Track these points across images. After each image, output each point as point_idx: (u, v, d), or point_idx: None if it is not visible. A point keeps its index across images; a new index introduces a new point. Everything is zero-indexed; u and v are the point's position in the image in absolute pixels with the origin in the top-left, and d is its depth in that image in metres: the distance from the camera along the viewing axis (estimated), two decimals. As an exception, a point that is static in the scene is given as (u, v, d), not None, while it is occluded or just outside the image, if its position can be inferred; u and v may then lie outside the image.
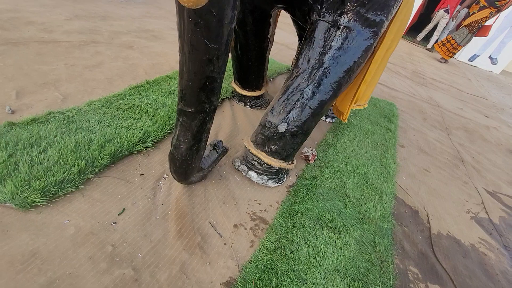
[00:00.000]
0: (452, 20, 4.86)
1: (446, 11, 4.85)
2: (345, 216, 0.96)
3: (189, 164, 0.76)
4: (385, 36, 0.99)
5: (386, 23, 0.86)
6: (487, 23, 4.02)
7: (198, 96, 0.64)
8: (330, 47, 0.84)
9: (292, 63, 1.80)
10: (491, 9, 3.73)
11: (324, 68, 0.85)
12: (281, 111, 0.90)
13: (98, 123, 1.00)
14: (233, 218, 0.85)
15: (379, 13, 0.80)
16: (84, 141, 0.87)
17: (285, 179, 1.05)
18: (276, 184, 1.01)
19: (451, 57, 4.27)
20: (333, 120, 1.68)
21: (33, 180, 0.70)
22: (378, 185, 1.19)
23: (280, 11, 1.24)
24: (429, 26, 5.28)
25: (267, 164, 0.95)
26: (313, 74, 0.87)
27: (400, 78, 3.28)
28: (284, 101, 0.90)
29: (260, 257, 0.74)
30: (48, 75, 1.23)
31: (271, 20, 1.16)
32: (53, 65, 1.31)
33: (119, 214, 0.74)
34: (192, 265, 0.69)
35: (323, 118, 1.65)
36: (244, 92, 1.46)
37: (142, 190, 0.83)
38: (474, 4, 4.01)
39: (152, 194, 0.83)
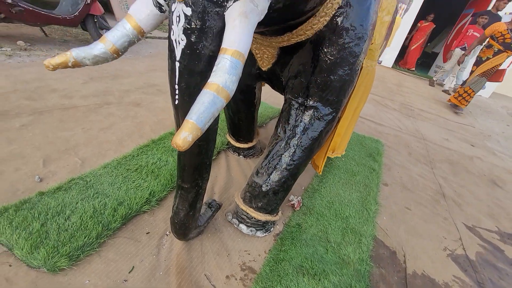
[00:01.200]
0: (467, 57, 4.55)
1: (463, 49, 4.71)
2: (326, 262, 1.09)
3: (187, 226, 0.92)
4: (348, 103, 1.19)
5: (345, 100, 1.06)
6: (502, 67, 3.82)
7: (193, 176, 0.82)
8: (301, 121, 1.04)
9: None
10: (507, 52, 3.55)
11: (297, 138, 1.04)
12: (264, 173, 1.08)
13: (111, 186, 1.18)
14: (226, 269, 0.98)
15: (337, 94, 1.00)
16: (100, 206, 1.05)
17: (272, 228, 1.19)
18: (264, 234, 1.15)
19: (466, 105, 3.96)
20: (320, 163, 1.85)
21: (60, 247, 0.87)
22: (358, 228, 1.33)
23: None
24: (447, 67, 5.11)
25: (254, 218, 1.11)
26: (288, 142, 1.05)
27: (388, 111, 3.49)
28: (266, 164, 1.08)
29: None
30: (69, 141, 1.44)
31: (256, 89, 1.38)
32: (73, 130, 1.53)
33: (129, 272, 0.89)
34: (189, 316, 0.82)
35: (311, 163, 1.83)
36: (237, 144, 1.65)
37: (148, 248, 0.98)
38: (485, 48, 3.79)
39: (156, 251, 0.98)
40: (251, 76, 1.23)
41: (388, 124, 2.98)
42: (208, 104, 0.52)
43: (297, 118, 1.04)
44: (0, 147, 1.27)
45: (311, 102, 1.01)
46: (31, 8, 2.45)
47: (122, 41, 0.66)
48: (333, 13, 0.85)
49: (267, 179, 1.07)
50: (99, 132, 1.58)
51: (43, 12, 2.54)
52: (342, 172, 1.79)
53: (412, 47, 6.67)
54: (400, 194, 1.78)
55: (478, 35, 4.47)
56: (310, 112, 1.02)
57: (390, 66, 6.86)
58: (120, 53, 0.69)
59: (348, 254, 1.16)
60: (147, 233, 1.03)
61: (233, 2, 0.53)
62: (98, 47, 0.66)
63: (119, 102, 1.96)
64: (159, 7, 0.64)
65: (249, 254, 1.07)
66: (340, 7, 0.84)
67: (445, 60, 5.98)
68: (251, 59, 1.14)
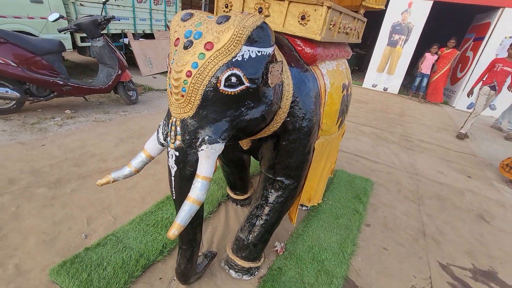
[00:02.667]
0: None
1: (493, 88, 4.07)
2: (298, 301, 1.37)
3: (187, 275, 1.27)
4: (313, 169, 1.51)
5: (304, 172, 1.39)
6: None
7: (188, 240, 1.18)
8: (271, 190, 1.38)
9: None
10: None
11: (269, 203, 1.38)
12: (245, 230, 1.41)
13: (135, 240, 1.57)
14: (217, 307, 1.30)
15: (295, 171, 1.34)
16: (127, 258, 1.43)
17: (257, 272, 1.50)
18: (250, 278, 1.46)
19: None
20: (308, 208, 2.14)
21: (101, 291, 1.24)
22: (332, 270, 1.59)
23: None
24: (478, 109, 4.16)
25: (240, 265, 1.43)
26: (263, 205, 1.39)
27: (386, 144, 3.71)
28: (247, 223, 1.42)
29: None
30: (104, 201, 1.89)
31: (244, 159, 1.76)
32: (107, 191, 1.98)
33: (146, 310, 1.24)
34: None
35: (300, 207, 2.12)
36: (235, 196, 2.02)
37: (166, 286, 1.33)
38: None
39: (166, 285, 1.33)
40: (238, 152, 1.61)
41: (382, 161, 3.20)
42: (187, 211, 0.89)
43: (268, 188, 1.39)
44: (58, 211, 1.74)
45: (277, 177, 1.36)
46: (76, 85, 3.11)
47: (141, 165, 1.08)
48: (282, 121, 1.22)
49: (247, 235, 1.40)
50: (126, 191, 2.02)
51: (85, 86, 3.20)
52: (326, 215, 2.06)
53: (435, 77, 6.27)
54: (381, 235, 2.00)
55: (511, 70, 3.94)
56: (277, 184, 1.36)
57: (396, 93, 7.05)
58: (139, 171, 1.10)
59: (318, 294, 1.42)
60: (160, 279, 1.39)
61: (201, 150, 0.92)
62: (127, 170, 1.08)
63: (161, 163, 2.41)
64: (161, 144, 1.05)
65: (236, 295, 1.38)
66: (286, 117, 1.21)
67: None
68: (235, 145, 1.53)
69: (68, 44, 4.22)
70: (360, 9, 1.66)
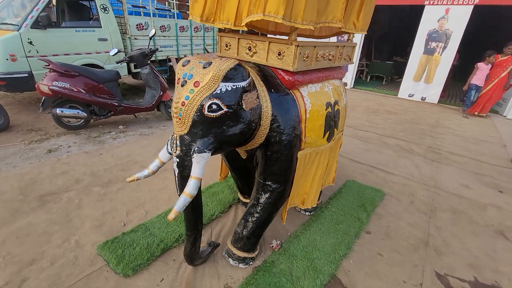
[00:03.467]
0: None
1: None
2: (283, 289, 1.60)
3: (192, 257, 1.60)
4: (302, 177, 1.75)
5: (289, 178, 1.64)
6: None
7: (192, 228, 1.52)
8: (262, 192, 1.66)
9: None
10: None
11: (260, 203, 1.66)
12: (241, 225, 1.71)
13: (159, 229, 1.98)
14: (214, 286, 1.61)
15: (280, 177, 1.60)
16: (151, 242, 1.84)
17: (251, 262, 1.77)
18: (245, 266, 1.74)
19: None
20: (311, 213, 2.34)
21: (129, 264, 1.65)
22: (320, 267, 1.77)
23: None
24: None
25: (236, 255, 1.72)
26: (255, 206, 1.68)
27: (409, 156, 3.65)
28: (243, 219, 1.72)
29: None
30: (140, 199, 2.36)
31: (249, 164, 2.07)
32: (143, 191, 2.47)
33: (160, 281, 1.60)
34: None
35: (303, 212, 2.33)
36: (243, 199, 2.33)
37: (173, 268, 1.69)
38: None
39: (177, 270, 1.68)
40: (241, 160, 1.93)
41: (400, 172, 3.19)
42: (182, 201, 1.24)
43: (259, 190, 1.68)
44: (107, 204, 2.26)
45: (266, 181, 1.64)
46: (128, 105, 3.81)
47: (156, 168, 1.47)
48: (265, 135, 1.51)
49: (242, 229, 1.70)
50: (157, 192, 2.48)
51: (134, 106, 3.90)
52: (327, 221, 2.23)
53: (487, 88, 5.52)
54: (379, 242, 2.09)
55: None
56: (266, 187, 1.64)
57: (436, 102, 6.66)
58: (155, 173, 1.49)
59: (302, 285, 1.63)
60: (173, 260, 1.76)
61: (193, 157, 1.27)
62: (146, 172, 1.48)
63: (172, 168, 2.90)
64: (169, 153, 1.43)
65: (231, 278, 1.67)
66: (268, 132, 1.50)
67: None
68: (238, 153, 1.85)
69: (124, 71, 5.11)
70: (341, 34, 1.89)
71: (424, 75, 6.62)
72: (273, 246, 1.92)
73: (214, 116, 1.23)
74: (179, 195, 1.40)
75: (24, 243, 1.80)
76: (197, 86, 1.21)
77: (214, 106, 1.21)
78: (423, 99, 6.81)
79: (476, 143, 4.25)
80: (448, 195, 2.79)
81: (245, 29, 1.47)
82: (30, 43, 3.79)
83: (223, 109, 1.23)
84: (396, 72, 9.66)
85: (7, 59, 3.61)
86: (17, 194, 2.27)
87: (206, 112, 1.22)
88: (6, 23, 3.85)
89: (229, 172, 2.25)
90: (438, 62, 6.34)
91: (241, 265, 1.74)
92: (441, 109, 6.28)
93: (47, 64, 3.27)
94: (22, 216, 2.03)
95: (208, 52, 7.24)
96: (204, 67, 1.22)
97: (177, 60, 6.21)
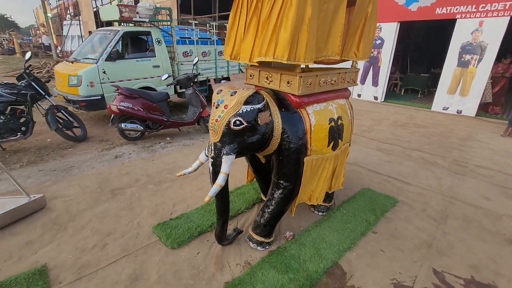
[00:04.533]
0: None
1: None
2: (290, 266, 1.98)
3: (221, 237, 2.09)
4: (310, 179, 2.15)
5: (297, 178, 2.05)
6: None
7: (220, 213, 2.01)
8: (276, 189, 2.09)
9: None
10: None
11: (274, 197, 2.09)
12: (259, 215, 2.16)
13: (197, 218, 2.51)
14: (237, 260, 2.05)
15: (290, 177, 2.03)
16: (190, 226, 2.37)
17: (268, 246, 2.18)
18: (262, 249, 2.16)
19: None
20: (324, 213, 2.67)
21: (174, 239, 2.20)
22: (325, 255, 2.11)
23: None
24: None
25: (255, 239, 2.16)
26: (270, 200, 2.12)
27: (431, 168, 3.75)
28: (261, 210, 2.17)
29: (238, 277, 1.89)
30: (183, 195, 2.94)
31: (269, 168, 2.53)
32: (186, 190, 3.05)
33: (196, 255, 2.10)
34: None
35: (316, 212, 2.68)
36: (265, 199, 2.77)
37: (206, 246, 2.19)
38: None
39: (209, 248, 2.17)
40: (262, 164, 2.40)
41: (417, 183, 3.34)
42: (214, 189, 1.75)
43: (274, 187, 2.12)
44: (158, 199, 2.88)
45: (279, 180, 2.08)
46: (174, 121, 4.57)
47: (196, 167, 2.00)
48: (277, 144, 1.97)
49: (260, 218, 2.14)
50: (196, 191, 3.05)
51: (179, 121, 4.65)
52: (337, 220, 2.55)
53: None
54: (384, 241, 2.34)
55: None
56: (279, 185, 2.08)
57: (473, 115, 6.41)
58: (196, 170, 2.03)
59: (307, 267, 1.99)
60: (207, 240, 2.26)
61: (222, 158, 1.77)
62: (190, 169, 2.02)
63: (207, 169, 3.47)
64: (206, 156, 1.96)
65: (251, 256, 2.10)
66: (280, 142, 1.95)
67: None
68: (258, 158, 2.32)
69: (171, 91, 6.01)
70: (344, 61, 2.29)
71: (459, 88, 6.46)
72: (286, 236, 2.31)
73: (238, 129, 1.74)
74: (212, 185, 1.91)
75: (103, 221, 2.46)
76: (226, 108, 1.73)
77: (237, 122, 1.72)
78: (459, 112, 6.61)
79: (508, 156, 4.12)
80: (463, 205, 2.88)
81: (256, 64, 2.00)
82: (104, 72, 4.82)
83: (244, 124, 1.73)
84: (433, 85, 9.37)
85: (87, 85, 4.65)
86: (96, 188, 3.02)
87: (232, 126, 1.73)
88: (88, 58, 4.97)
89: (254, 176, 2.72)
90: (473, 74, 6.18)
91: (259, 248, 2.17)
92: (478, 122, 6.05)
93: (117, 89, 4.18)
94: (100, 203, 2.73)
95: (243, 72, 8.00)
96: (231, 95, 1.75)
97: (215, 80, 7.03)
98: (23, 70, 3.87)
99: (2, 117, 3.50)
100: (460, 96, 6.48)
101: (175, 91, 6.30)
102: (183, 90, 6.15)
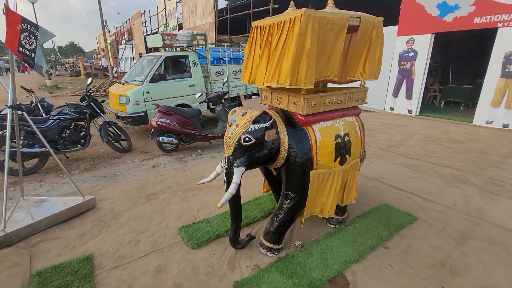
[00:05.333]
0: None
1: None
2: (296, 273, 2.13)
3: (234, 241, 2.33)
4: (319, 192, 2.31)
5: (304, 190, 2.23)
6: None
7: (234, 218, 2.27)
8: (284, 199, 2.30)
9: None
10: None
11: (283, 207, 2.30)
12: (269, 223, 2.36)
13: (216, 223, 2.79)
14: (247, 263, 2.27)
15: (297, 189, 2.22)
16: (210, 229, 2.66)
17: (277, 253, 2.36)
18: (271, 255, 2.35)
19: None
20: (336, 226, 2.76)
21: (196, 240, 2.50)
22: (331, 265, 2.22)
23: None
24: None
25: (265, 245, 2.36)
26: (279, 209, 2.32)
27: (461, 186, 3.58)
28: (271, 219, 2.37)
29: (246, 278, 2.10)
30: (207, 203, 3.27)
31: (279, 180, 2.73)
32: (209, 198, 3.38)
33: (212, 255, 2.37)
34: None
35: (329, 224, 2.78)
36: (280, 209, 2.96)
37: (221, 249, 2.44)
38: None
39: (224, 250, 2.42)
40: (274, 176, 2.62)
41: (441, 201, 3.22)
42: (226, 196, 2.02)
43: (283, 198, 2.32)
44: (185, 204, 3.24)
45: (287, 191, 2.28)
46: (206, 135, 5.03)
47: (213, 177, 2.31)
48: (284, 158, 2.18)
49: (270, 226, 2.34)
50: (218, 199, 3.32)
51: (209, 135, 5.09)
52: (348, 234, 2.62)
53: None
54: (394, 257, 2.36)
55: None
56: (288, 195, 2.28)
57: (521, 130, 5.82)
58: (213, 180, 2.33)
59: (312, 274, 2.13)
60: (223, 243, 2.52)
61: (234, 169, 2.05)
62: (208, 179, 2.33)
63: None
64: (222, 167, 2.26)
65: (260, 261, 2.30)
66: (287, 156, 2.17)
67: None
68: (271, 171, 2.55)
69: (204, 107, 6.57)
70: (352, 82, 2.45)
71: (505, 100, 5.96)
72: (296, 245, 2.47)
73: (247, 145, 2.01)
74: (226, 186, 2.18)
75: (138, 221, 2.88)
76: (237, 126, 2.02)
77: (247, 139, 1.99)
78: (505, 126, 6.05)
79: (560, 177, 3.71)
80: (490, 226, 2.73)
81: (267, 89, 2.27)
82: (147, 92, 5.53)
83: (252, 140, 2.00)
84: (476, 96, 8.67)
85: (134, 104, 5.38)
86: (135, 192, 3.51)
87: (242, 142, 2.00)
88: (136, 80, 5.76)
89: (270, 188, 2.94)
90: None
91: (268, 253, 2.36)
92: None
93: (157, 106, 4.79)
94: (137, 206, 3.19)
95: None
96: (242, 115, 2.04)
97: (245, 96, 7.47)
98: (85, 93, 4.68)
99: (68, 131, 4.27)
100: (506, 109, 5.96)
101: (208, 107, 6.86)
102: (214, 106, 6.70)
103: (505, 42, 5.76)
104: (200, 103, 5.52)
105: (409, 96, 7.77)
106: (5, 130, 3.86)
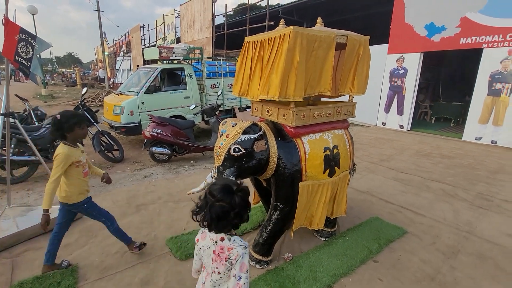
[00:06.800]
0: None
1: None
2: (285, 286, 2.10)
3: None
4: (308, 204, 2.32)
5: (293, 201, 2.24)
6: None
7: (222, 230, 2.25)
8: (273, 210, 2.29)
9: None
10: None
11: (272, 218, 2.29)
12: (258, 234, 2.35)
13: (206, 235, 2.76)
14: (236, 276, 2.23)
15: (286, 199, 2.23)
16: (199, 241, 2.62)
17: (266, 265, 2.33)
18: (260, 267, 2.32)
19: None
20: (326, 238, 2.75)
21: (185, 252, 2.46)
22: (320, 278, 2.19)
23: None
24: None
25: (254, 257, 2.33)
26: (268, 220, 2.31)
27: (450, 201, 3.61)
28: (260, 230, 2.36)
29: None
30: (197, 214, 3.24)
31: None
32: (200, 209, 3.35)
33: (201, 267, 2.33)
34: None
35: (319, 237, 2.77)
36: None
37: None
38: None
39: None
40: (264, 188, 2.62)
41: (431, 215, 3.25)
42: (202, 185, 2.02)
43: (272, 209, 2.32)
44: (175, 215, 3.20)
45: (276, 202, 2.28)
46: (199, 146, 5.04)
47: (204, 187, 2.30)
48: (274, 169, 2.20)
49: (259, 237, 2.33)
50: (210, 210, 3.32)
51: (202, 146, 5.11)
52: (337, 246, 2.61)
53: None
54: (383, 270, 2.34)
55: None
56: (277, 206, 2.28)
57: (511, 146, 5.97)
58: (203, 189, 2.33)
59: (300, 287, 2.10)
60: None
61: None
62: (198, 188, 2.33)
63: None
64: (212, 177, 2.26)
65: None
66: (276, 167, 2.19)
67: None
68: (261, 182, 2.56)
69: (199, 119, 6.62)
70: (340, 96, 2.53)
71: (492, 117, 6.14)
72: (285, 257, 2.44)
73: (236, 155, 2.03)
74: None
75: (127, 231, 2.82)
76: (227, 137, 2.05)
77: (236, 149, 2.02)
78: (493, 142, 6.20)
79: (546, 193, 3.79)
80: (479, 241, 2.75)
81: (259, 101, 2.33)
82: (142, 103, 5.57)
83: (242, 151, 2.02)
84: (467, 113, 8.91)
85: (128, 114, 5.40)
86: (125, 202, 3.46)
87: (231, 152, 2.03)
88: (131, 91, 5.81)
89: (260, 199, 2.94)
90: (507, 103, 5.88)
91: (257, 266, 2.33)
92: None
93: (150, 117, 4.81)
94: (126, 216, 3.14)
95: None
96: (232, 126, 2.07)
97: (239, 109, 7.56)
98: (79, 102, 4.70)
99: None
100: (494, 126, 6.13)
101: (203, 119, 6.91)
102: (209, 118, 6.74)
103: (490, 62, 6.02)
104: (194, 114, 5.57)
105: (400, 111, 7.95)
106: (-4, 138, 3.83)
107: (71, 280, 2.10)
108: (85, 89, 4.86)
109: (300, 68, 2.00)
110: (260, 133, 2.09)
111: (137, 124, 5.53)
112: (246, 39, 2.44)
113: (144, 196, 3.65)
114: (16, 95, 5.63)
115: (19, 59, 2.38)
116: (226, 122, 2.18)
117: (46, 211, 1.92)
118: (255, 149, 2.07)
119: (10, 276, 2.15)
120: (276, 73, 2.00)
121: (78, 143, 2.16)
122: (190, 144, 4.98)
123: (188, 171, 4.66)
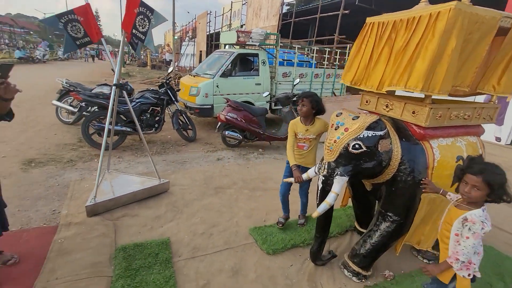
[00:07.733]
0: None
1: None
2: (391, 310, 1.82)
3: (316, 255, 2.11)
4: (425, 217, 1.96)
5: (409, 213, 1.90)
6: None
7: (320, 231, 2.04)
8: (383, 220, 1.99)
9: None
10: None
11: (379, 229, 1.99)
12: (360, 244, 2.08)
13: (290, 231, 2.59)
14: (329, 285, 2.02)
15: (401, 210, 1.90)
16: (284, 237, 2.46)
17: (364, 279, 2.06)
18: (357, 281, 2.06)
19: None
20: (430, 262, 2.35)
21: (270, 246, 2.33)
22: (433, 309, 1.85)
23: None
24: None
25: (351, 267, 2.08)
26: (375, 230, 2.02)
27: None
28: (362, 239, 2.09)
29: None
30: (275, 206, 3.09)
31: (371, 198, 2.41)
32: (277, 201, 3.21)
33: (289, 267, 2.17)
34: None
35: (420, 257, 2.39)
36: (359, 228, 2.64)
37: (299, 261, 2.24)
38: None
39: (301, 263, 2.21)
40: (364, 191, 2.33)
41: None
42: (323, 206, 1.80)
43: (381, 219, 2.02)
44: (252, 204, 3.12)
45: (388, 212, 1.98)
46: (269, 135, 4.91)
47: (306, 179, 2.12)
48: (392, 174, 1.89)
49: (360, 247, 2.06)
50: (272, 201, 3.16)
51: (272, 136, 4.96)
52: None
53: None
54: (516, 316, 1.89)
55: None
56: (388, 217, 1.97)
57: None
58: (305, 180, 2.14)
59: (411, 315, 1.79)
60: (299, 255, 2.30)
61: (335, 178, 1.82)
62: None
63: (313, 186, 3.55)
64: (316, 173, 2.05)
65: (345, 285, 2.03)
66: (396, 172, 1.88)
67: None
68: (363, 185, 2.27)
69: (267, 107, 6.48)
70: (477, 94, 2.04)
71: None
72: (386, 275, 2.14)
73: (356, 153, 1.76)
74: (318, 204, 1.96)
75: (209, 213, 2.84)
76: (346, 131, 1.79)
77: (357, 145, 1.75)
78: None
79: None
80: None
81: (384, 92, 1.98)
82: (217, 86, 5.63)
83: (363, 148, 1.75)
84: None
85: (203, 96, 5.52)
86: (202, 183, 3.51)
87: (350, 149, 1.77)
88: (207, 73, 5.92)
89: (351, 202, 2.65)
90: None
91: (354, 278, 2.08)
92: None
93: (227, 101, 4.81)
94: (206, 197, 3.16)
95: (335, 95, 7.95)
96: (353, 119, 1.80)
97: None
98: (164, 80, 4.92)
99: (147, 114, 4.52)
100: None
101: (270, 108, 6.76)
102: (278, 107, 6.55)
103: None
104: (266, 102, 5.43)
105: (500, 121, 6.68)
106: (95, 107, 4.22)
107: (167, 253, 2.14)
108: (171, 68, 5.08)
109: (453, 56, 1.62)
110: (385, 130, 1.79)
111: (210, 106, 5.63)
112: (369, 19, 2.12)
113: (220, 179, 3.66)
114: (112, 69, 6.19)
115: (136, 32, 2.45)
116: (341, 113, 1.92)
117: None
118: (379, 149, 1.77)
119: (114, 238, 2.29)
120: (423, 59, 1.65)
121: None
122: (262, 132, 4.87)
123: (258, 159, 4.57)
